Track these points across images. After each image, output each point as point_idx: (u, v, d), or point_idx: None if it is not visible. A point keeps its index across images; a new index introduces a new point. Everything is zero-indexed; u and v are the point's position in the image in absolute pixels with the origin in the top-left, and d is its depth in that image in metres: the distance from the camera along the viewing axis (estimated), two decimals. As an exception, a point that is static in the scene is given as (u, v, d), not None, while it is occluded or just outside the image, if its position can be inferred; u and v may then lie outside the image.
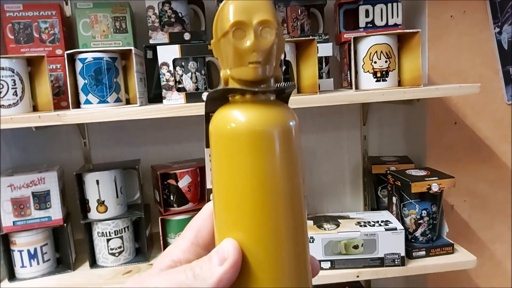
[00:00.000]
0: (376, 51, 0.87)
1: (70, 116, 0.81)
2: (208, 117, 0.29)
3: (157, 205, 1.03)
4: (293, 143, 0.27)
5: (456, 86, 0.84)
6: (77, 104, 0.87)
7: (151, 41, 0.95)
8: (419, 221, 0.93)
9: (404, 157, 1.14)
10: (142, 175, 1.06)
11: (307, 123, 1.17)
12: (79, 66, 0.85)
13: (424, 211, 0.92)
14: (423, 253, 0.91)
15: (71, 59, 0.86)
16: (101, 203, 0.96)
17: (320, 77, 1.01)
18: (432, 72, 1.07)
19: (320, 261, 0.89)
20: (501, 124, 1.11)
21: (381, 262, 0.88)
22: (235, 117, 0.27)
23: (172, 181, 0.98)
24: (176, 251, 0.30)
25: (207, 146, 0.30)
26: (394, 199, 0.97)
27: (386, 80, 0.88)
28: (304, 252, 0.28)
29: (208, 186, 0.32)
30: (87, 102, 0.86)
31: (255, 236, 0.27)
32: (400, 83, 0.90)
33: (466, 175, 1.13)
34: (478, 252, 1.15)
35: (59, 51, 0.97)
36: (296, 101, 0.82)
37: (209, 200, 0.32)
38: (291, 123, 0.27)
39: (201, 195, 1.04)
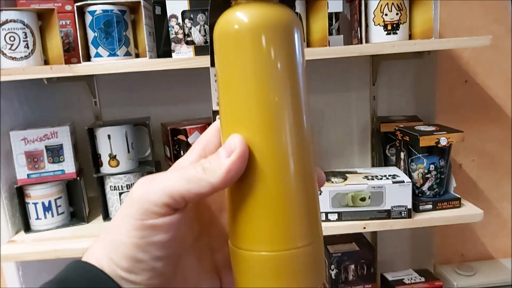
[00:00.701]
0: (387, 3, 0.86)
1: (81, 67, 0.81)
2: (212, 28, 0.29)
3: (167, 161, 1.05)
4: (296, 43, 0.28)
5: (467, 38, 0.84)
6: (87, 58, 0.88)
7: (159, -4, 0.95)
8: (426, 176, 0.94)
9: (413, 116, 1.14)
10: (153, 133, 1.07)
11: (315, 83, 1.17)
12: (88, 18, 0.86)
13: (432, 165, 0.93)
14: (430, 206, 0.92)
15: (81, 12, 0.86)
16: (113, 157, 0.98)
17: (330, 33, 1.00)
18: (443, 28, 1.05)
19: (327, 213, 0.90)
20: (512, 82, 1.11)
21: (387, 214, 0.89)
22: (241, 17, 0.27)
23: (182, 137, 1.00)
24: (185, 163, 0.31)
25: (212, 64, 0.30)
26: (402, 154, 0.97)
27: (396, 33, 0.87)
28: (307, 149, 0.28)
29: (214, 107, 0.33)
30: (97, 55, 0.86)
31: (260, 131, 0.27)
32: (410, 37, 0.89)
33: (475, 134, 1.13)
34: (485, 210, 1.15)
35: (68, 7, 0.97)
36: (305, 53, 0.82)
37: (215, 120, 0.33)
38: (295, 24, 0.28)
39: (210, 152, 1.05)
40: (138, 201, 0.27)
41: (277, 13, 0.27)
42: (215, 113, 0.32)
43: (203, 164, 0.27)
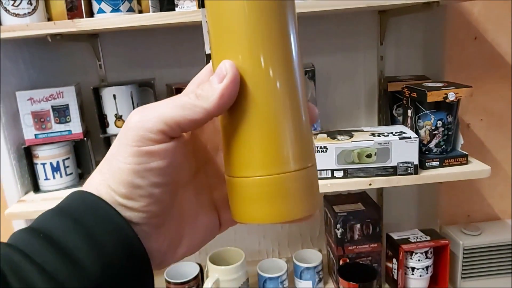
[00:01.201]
0: (395, -46, 0.84)
1: (85, 23, 0.81)
2: None
3: (173, 122, 1.05)
4: None
5: (479, -12, 0.81)
6: (90, 14, 0.87)
7: (162, -49, 0.93)
8: (433, 132, 0.93)
9: (421, 76, 1.12)
10: (158, 94, 1.07)
11: (322, 43, 1.15)
12: (90, -27, 0.84)
13: (439, 122, 0.92)
14: (437, 163, 0.92)
15: (82, -34, 0.85)
16: (119, 117, 0.98)
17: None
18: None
19: (333, 170, 0.90)
20: (524, 39, 1.08)
21: (394, 170, 0.89)
22: None
23: (187, 97, 0.99)
24: None
25: (203, 5, 0.30)
26: (409, 112, 0.96)
27: (405, -15, 0.84)
28: (298, 77, 0.28)
29: (207, 51, 0.33)
30: (100, 11, 0.85)
31: (250, 56, 0.27)
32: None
33: (483, 93, 1.11)
34: (492, 171, 1.15)
35: (70, -36, 0.96)
36: (312, 4, 0.80)
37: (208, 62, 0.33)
38: None
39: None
40: (134, 129, 0.27)
41: None
42: (208, 56, 0.32)
43: (196, 91, 0.28)
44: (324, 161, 0.90)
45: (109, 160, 0.28)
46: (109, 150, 0.29)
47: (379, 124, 1.20)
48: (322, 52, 1.16)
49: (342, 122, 1.21)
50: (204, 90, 0.27)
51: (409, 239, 1.05)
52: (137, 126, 0.27)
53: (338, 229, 1.07)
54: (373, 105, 1.20)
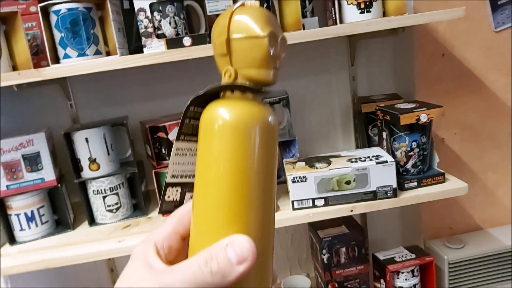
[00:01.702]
0: (358, -18, 0.85)
1: (50, 71, 0.79)
2: (187, 110, 0.31)
3: (149, 160, 1.03)
4: (275, 142, 0.31)
5: (441, 12, 0.83)
6: (56, 60, 0.85)
7: (126, -10, 0.92)
8: (409, 153, 0.94)
9: (393, 94, 1.14)
10: (132, 133, 1.05)
11: (295, 68, 1.16)
12: (54, 19, 0.83)
13: (414, 143, 0.93)
14: (415, 184, 0.93)
15: (46, 12, 0.83)
16: (92, 161, 0.96)
17: (304, 16, 0.99)
18: (417, 3, 1.05)
19: (314, 199, 0.90)
20: (489, 52, 1.10)
21: (373, 195, 0.89)
22: (224, 113, 0.29)
23: (162, 134, 0.98)
24: (159, 236, 0.31)
25: (178, 138, 0.31)
26: (384, 134, 0.97)
27: (370, 11, 0.86)
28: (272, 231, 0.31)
29: (168, 179, 0.33)
30: (66, 56, 0.84)
31: (254, 226, 0.29)
32: (385, 14, 0.88)
33: (455, 107, 1.13)
34: (470, 182, 1.16)
35: (33, 8, 0.93)
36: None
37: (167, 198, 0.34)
38: (273, 126, 0.30)
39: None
40: None
41: (267, 112, 0.30)
42: (169, 185, 0.33)
43: (211, 266, 0.27)
44: (305, 190, 0.89)
45: None
46: None
47: (356, 144, 1.20)
48: (295, 76, 1.16)
49: (320, 143, 1.21)
50: (220, 266, 0.27)
51: (394, 259, 1.06)
52: None
53: (324, 254, 1.06)
54: (349, 125, 1.21)
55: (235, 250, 0.27)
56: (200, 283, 0.26)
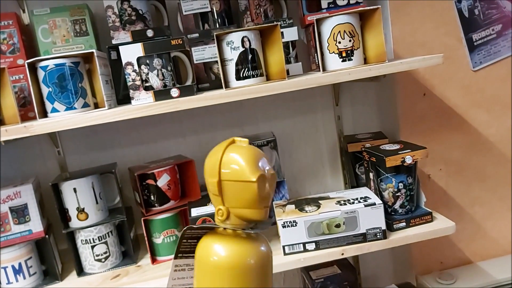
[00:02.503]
0: (340, 31, 0.88)
1: (38, 127, 0.79)
2: (183, 234, 0.33)
3: (138, 207, 1.03)
4: (271, 261, 0.32)
5: (420, 59, 0.86)
6: (44, 114, 0.86)
7: (113, 42, 0.94)
8: (396, 194, 0.95)
9: (378, 132, 1.16)
10: (121, 177, 1.05)
11: (281, 108, 1.18)
12: (41, 74, 0.83)
13: (400, 184, 0.94)
14: (403, 224, 0.93)
15: (33, 68, 0.84)
16: (81, 210, 0.95)
17: (289, 62, 1.01)
18: (397, 46, 1.08)
19: (305, 243, 0.90)
20: (469, 90, 1.14)
21: (363, 237, 0.90)
22: (219, 251, 0.31)
23: (151, 181, 0.98)
24: None
25: (176, 257, 0.33)
26: (371, 175, 0.98)
27: (352, 59, 0.88)
28: None
29: None
30: (54, 110, 0.84)
31: None
32: (366, 61, 0.91)
33: (439, 144, 1.15)
34: (457, 217, 1.18)
35: (20, 61, 0.95)
36: (265, 88, 0.82)
37: None
38: (265, 261, 0.32)
39: (182, 192, 1.04)
40: None
41: (251, 253, 0.31)
42: None
43: None
44: (295, 235, 0.90)
45: None
46: None
47: (344, 181, 1.22)
48: (282, 117, 1.18)
49: (309, 181, 1.23)
50: None
51: (387, 298, 1.05)
52: None
53: (317, 296, 1.06)
54: (337, 162, 1.22)
55: None
56: None
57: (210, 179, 0.30)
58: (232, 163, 0.30)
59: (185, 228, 0.31)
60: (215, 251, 0.30)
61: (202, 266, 0.30)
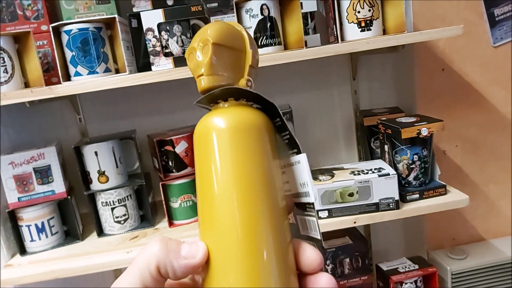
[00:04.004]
0: (359, 1, 0.88)
1: (62, 88, 0.82)
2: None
3: (157, 172, 1.06)
4: (266, 142, 0.30)
5: (439, 30, 0.85)
6: (67, 77, 0.88)
7: (134, 10, 0.96)
8: (411, 166, 0.95)
9: (394, 107, 1.16)
10: (139, 145, 1.07)
11: (297, 83, 1.19)
12: (65, 38, 0.86)
13: (415, 156, 0.95)
14: (417, 196, 0.94)
15: (57, 32, 0.86)
16: (101, 173, 0.98)
17: (307, 33, 1.02)
18: (417, 20, 1.07)
19: (317, 210, 0.92)
20: (488, 67, 1.13)
21: (376, 207, 0.91)
22: (216, 121, 0.30)
23: (169, 148, 1.00)
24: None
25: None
26: (386, 147, 0.99)
27: (370, 29, 0.88)
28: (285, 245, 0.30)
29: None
30: (77, 74, 0.87)
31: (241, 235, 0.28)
32: (385, 32, 0.91)
33: (456, 120, 1.15)
34: (472, 194, 1.18)
35: (44, 27, 0.97)
36: (283, 56, 0.83)
37: None
38: (264, 126, 0.30)
39: (198, 159, 1.06)
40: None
41: (249, 116, 0.30)
42: None
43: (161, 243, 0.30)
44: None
45: None
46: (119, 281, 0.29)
47: (359, 157, 1.22)
48: (298, 91, 1.19)
49: (324, 156, 1.24)
50: (169, 245, 0.29)
51: (398, 269, 1.07)
52: None
53: (328, 265, 1.08)
54: (352, 138, 1.23)
55: (187, 245, 0.29)
56: (144, 271, 0.28)
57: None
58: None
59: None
60: (214, 121, 0.30)
61: (200, 143, 0.30)
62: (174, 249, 0.29)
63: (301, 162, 0.31)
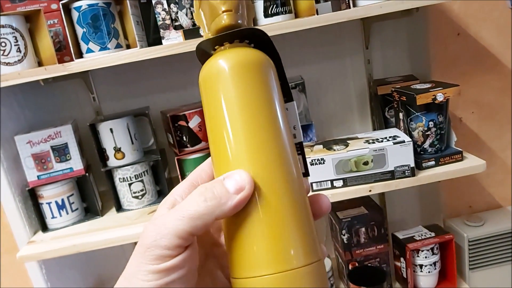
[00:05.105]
0: (371, -35, 0.85)
1: (75, 65, 0.82)
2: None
3: (171, 148, 1.07)
4: (270, 79, 0.31)
5: (455, -9, 0.83)
6: (79, 55, 0.89)
7: (143, -16, 0.95)
8: (426, 133, 0.94)
9: (409, 75, 1.14)
10: (154, 122, 1.08)
11: (309, 54, 1.17)
12: (75, 15, 0.86)
13: (431, 122, 0.94)
14: (433, 162, 0.94)
15: (67, 9, 0.87)
16: (117, 150, 0.99)
17: (318, 1, 1.00)
18: (431, -17, 1.04)
19: (332, 180, 0.92)
20: (505, 30, 1.10)
21: (391, 175, 0.91)
22: (220, 61, 0.30)
23: (182, 123, 1.01)
24: (178, 190, 0.32)
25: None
26: (400, 115, 0.98)
27: (383, -6, 0.86)
28: (296, 172, 0.30)
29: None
30: (89, 50, 0.87)
31: (254, 162, 0.29)
32: (398, -4, 0.89)
33: (472, 86, 1.13)
34: (489, 161, 1.16)
35: (54, 6, 0.97)
36: (294, 24, 0.82)
37: None
38: (266, 63, 0.31)
39: (212, 133, 1.06)
40: (150, 248, 0.28)
41: (249, 55, 0.31)
42: None
43: (205, 195, 0.28)
44: (323, 172, 0.92)
45: (129, 280, 0.28)
46: (127, 268, 0.29)
47: (373, 127, 1.21)
48: (309, 62, 1.18)
49: (337, 127, 1.23)
50: (216, 193, 0.28)
51: (414, 237, 1.07)
52: (153, 245, 0.28)
53: (344, 235, 1.09)
54: (365, 108, 1.22)
55: (231, 180, 0.28)
56: (195, 215, 0.27)
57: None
58: None
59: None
60: (218, 62, 0.31)
61: (207, 84, 0.31)
62: (218, 195, 0.28)
63: (292, 108, 0.33)
